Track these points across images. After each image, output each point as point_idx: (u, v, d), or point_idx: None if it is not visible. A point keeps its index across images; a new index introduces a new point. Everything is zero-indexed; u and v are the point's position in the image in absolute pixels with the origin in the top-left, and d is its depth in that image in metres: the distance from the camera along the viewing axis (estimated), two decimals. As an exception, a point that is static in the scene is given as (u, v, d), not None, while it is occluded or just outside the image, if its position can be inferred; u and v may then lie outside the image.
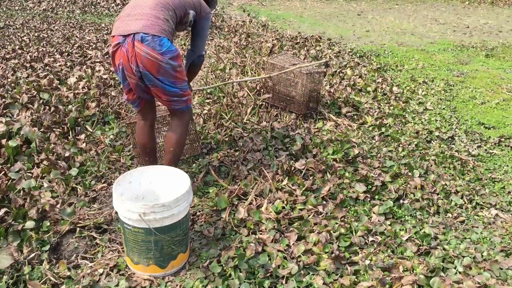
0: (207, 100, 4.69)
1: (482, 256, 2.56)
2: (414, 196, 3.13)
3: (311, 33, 8.91)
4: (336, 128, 4.22)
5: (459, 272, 2.40)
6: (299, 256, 2.44)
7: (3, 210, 2.58)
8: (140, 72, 2.57)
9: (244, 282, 2.25)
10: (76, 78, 4.92)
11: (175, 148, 2.80)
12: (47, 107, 4.08)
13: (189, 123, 3.02)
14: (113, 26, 2.64)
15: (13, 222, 2.53)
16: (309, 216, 2.80)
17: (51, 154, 3.29)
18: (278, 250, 2.46)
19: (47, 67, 5.60)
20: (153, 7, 2.58)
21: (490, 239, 2.76)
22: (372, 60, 7.03)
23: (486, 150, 4.05)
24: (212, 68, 5.87)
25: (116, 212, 2.67)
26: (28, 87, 4.60)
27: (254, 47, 7.09)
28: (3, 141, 3.35)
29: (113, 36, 2.59)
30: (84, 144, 3.55)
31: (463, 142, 4.20)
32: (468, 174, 3.56)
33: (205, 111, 4.26)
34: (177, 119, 2.82)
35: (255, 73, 5.54)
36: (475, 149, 4.04)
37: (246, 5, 12.91)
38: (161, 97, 2.70)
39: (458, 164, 3.70)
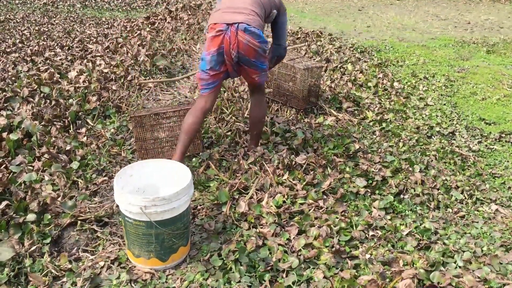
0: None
1: (482, 251, 2.57)
2: (414, 191, 3.13)
3: (312, 28, 8.90)
4: (337, 123, 4.23)
5: (459, 267, 2.40)
6: (300, 250, 2.44)
7: (4, 203, 2.58)
8: (238, 57, 3.00)
9: (245, 275, 2.25)
10: (77, 72, 4.91)
11: (264, 119, 3.46)
12: (48, 101, 4.08)
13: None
14: (213, 15, 3.06)
15: (14, 215, 2.53)
16: (309, 210, 2.81)
17: (52, 148, 3.29)
18: (279, 244, 2.47)
19: (48, 61, 5.60)
20: (251, 3, 3.04)
21: (490, 234, 2.77)
22: (373, 55, 7.03)
23: (486, 145, 4.05)
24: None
25: (117, 205, 2.67)
26: (29, 80, 4.60)
27: (255, 42, 7.07)
28: (4, 135, 3.34)
29: (215, 23, 2.97)
30: (85, 138, 3.55)
31: (463, 137, 4.21)
32: (468, 169, 3.57)
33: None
34: (259, 93, 3.36)
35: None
36: (476, 144, 4.05)
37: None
38: (252, 74, 3.17)
39: (459, 159, 3.70)
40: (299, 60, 4.47)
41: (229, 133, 3.79)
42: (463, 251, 2.54)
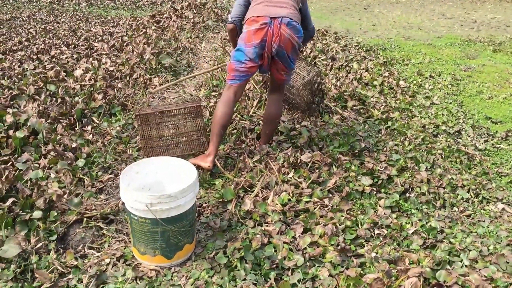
0: (213, 93, 4.69)
1: (488, 249, 2.56)
2: (420, 189, 3.12)
3: (318, 26, 8.88)
4: (342, 122, 4.22)
5: (465, 266, 2.39)
6: (305, 248, 2.44)
7: (11, 200, 2.59)
8: (277, 50, 3.07)
9: (250, 273, 2.25)
10: (83, 70, 4.92)
11: (276, 121, 3.47)
12: (54, 99, 4.09)
13: None
14: (254, 8, 3.13)
15: (20, 212, 2.54)
16: (315, 208, 2.81)
17: (58, 145, 3.30)
18: (284, 242, 2.47)
19: (54, 59, 5.61)
20: None
21: (496, 233, 2.75)
22: (379, 54, 7.01)
23: (493, 144, 4.03)
24: (218, 61, 5.86)
25: (123, 203, 2.68)
26: (35, 78, 4.61)
27: (260, 40, 7.06)
28: (11, 132, 3.36)
29: (259, 16, 3.04)
30: (91, 136, 3.56)
31: (470, 136, 4.19)
32: (474, 168, 3.55)
33: (211, 104, 4.26)
34: (279, 93, 3.42)
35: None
36: (482, 143, 4.03)
37: None
38: (281, 71, 3.24)
39: (465, 158, 3.69)
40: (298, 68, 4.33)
41: (234, 131, 3.79)
42: (469, 250, 2.53)
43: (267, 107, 3.44)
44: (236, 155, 3.42)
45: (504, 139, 4.14)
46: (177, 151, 3.44)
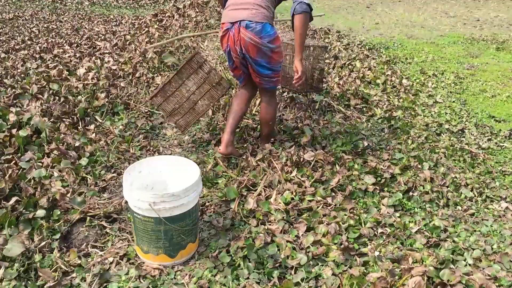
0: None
1: (492, 248, 2.55)
2: (423, 188, 3.12)
3: (320, 25, 8.87)
4: (345, 120, 4.21)
5: (469, 265, 2.39)
6: (308, 247, 2.44)
7: (14, 198, 2.59)
8: (243, 54, 3.01)
9: (253, 272, 2.25)
10: (85, 69, 4.92)
11: (273, 121, 3.36)
12: (57, 98, 4.09)
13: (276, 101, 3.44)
14: (223, 14, 3.09)
15: (24, 210, 2.54)
16: (318, 207, 2.80)
17: (61, 144, 3.31)
18: (287, 241, 2.46)
19: (57, 58, 5.62)
20: None
21: (500, 232, 2.74)
22: (382, 52, 7.00)
23: (496, 143, 4.02)
24: (221, 60, 5.86)
25: (126, 202, 2.68)
26: (38, 77, 4.62)
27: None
28: (14, 131, 3.36)
29: (223, 23, 3.02)
30: (94, 135, 3.56)
31: (473, 135, 4.18)
32: (478, 167, 3.54)
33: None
34: (266, 96, 3.29)
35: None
36: (485, 142, 4.02)
37: None
38: (255, 77, 3.16)
39: (468, 157, 3.68)
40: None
41: (237, 130, 3.78)
42: (473, 249, 2.52)
43: (260, 110, 3.40)
44: (238, 153, 3.41)
45: (507, 137, 4.13)
46: (205, 102, 3.48)
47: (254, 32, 2.89)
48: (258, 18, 2.90)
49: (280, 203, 2.78)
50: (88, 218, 2.60)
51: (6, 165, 2.95)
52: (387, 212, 2.81)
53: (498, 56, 7.07)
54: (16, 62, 5.44)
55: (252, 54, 2.98)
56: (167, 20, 8.13)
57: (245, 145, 3.52)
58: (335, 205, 2.84)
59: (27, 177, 2.88)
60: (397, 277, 2.21)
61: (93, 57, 5.63)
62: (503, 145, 3.97)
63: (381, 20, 10.01)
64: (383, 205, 2.89)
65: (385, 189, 3.09)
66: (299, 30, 3.04)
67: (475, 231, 2.75)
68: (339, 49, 6.72)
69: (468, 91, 5.40)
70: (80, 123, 3.76)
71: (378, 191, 3.04)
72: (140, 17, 9.01)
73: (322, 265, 2.34)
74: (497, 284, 2.24)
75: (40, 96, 4.11)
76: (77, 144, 3.32)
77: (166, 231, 2.21)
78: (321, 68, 4.15)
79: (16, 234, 2.37)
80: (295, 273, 2.28)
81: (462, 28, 9.25)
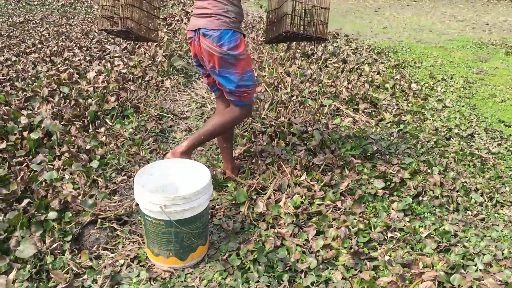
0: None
1: (502, 254, 2.53)
2: (433, 193, 3.11)
3: (328, 29, 8.88)
4: (354, 124, 4.21)
5: (480, 270, 2.38)
6: (318, 251, 2.44)
7: (26, 201, 2.62)
8: (206, 64, 2.74)
9: (263, 275, 2.26)
10: (96, 72, 4.97)
11: (211, 129, 2.80)
12: (68, 101, 4.13)
13: (240, 119, 2.98)
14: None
15: (36, 212, 2.56)
16: (327, 211, 2.80)
17: (72, 147, 3.33)
18: (297, 245, 2.47)
19: (67, 61, 5.67)
20: (211, 1, 2.65)
21: (511, 237, 2.73)
22: (390, 56, 6.99)
23: (506, 148, 4.00)
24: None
25: (137, 204, 2.70)
26: (49, 80, 4.66)
27: (271, 43, 7.08)
28: (25, 134, 3.40)
29: (187, 30, 2.81)
30: (104, 137, 3.58)
31: (483, 139, 4.16)
32: (488, 171, 3.53)
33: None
34: (237, 107, 2.83)
35: (272, 68, 5.53)
36: (495, 146, 4.00)
37: (263, 1, 12.88)
38: (223, 89, 2.82)
39: (478, 161, 3.66)
40: None
41: (246, 133, 3.80)
42: (484, 254, 2.51)
43: (216, 110, 3.11)
44: (248, 157, 3.42)
45: (517, 142, 4.11)
46: None
47: (210, 39, 2.61)
48: (214, 26, 2.60)
49: (289, 206, 2.79)
50: (99, 220, 2.62)
51: (18, 167, 2.98)
52: (397, 217, 2.81)
53: (508, 60, 7.04)
54: (27, 65, 5.49)
55: (216, 65, 2.66)
56: (176, 24, 8.17)
57: (252, 149, 3.52)
58: (344, 209, 2.84)
59: (39, 180, 2.91)
60: (407, 282, 2.20)
61: (103, 61, 5.67)
62: (513, 150, 3.95)
63: (389, 24, 10.00)
64: (392, 209, 2.88)
65: (395, 193, 3.08)
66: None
67: (485, 236, 2.73)
68: (347, 53, 6.72)
69: (477, 95, 5.38)
70: (90, 126, 3.79)
71: (387, 196, 3.04)
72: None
73: (332, 269, 2.34)
74: (508, 289, 2.23)
75: (51, 99, 4.15)
76: (88, 146, 3.35)
77: (177, 233, 2.22)
78: (325, 7, 2.99)
79: (28, 236, 2.39)
80: (305, 276, 2.28)
81: (471, 32, 9.22)
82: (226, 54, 2.61)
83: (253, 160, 3.33)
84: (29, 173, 2.96)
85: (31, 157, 3.21)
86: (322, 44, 6.62)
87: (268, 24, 3.19)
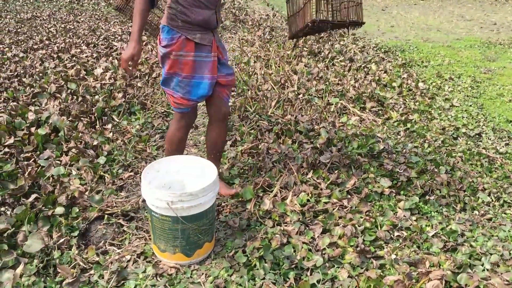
0: (232, 93, 4.70)
1: (510, 254, 2.52)
2: (440, 192, 3.09)
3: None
4: (360, 123, 4.20)
5: (487, 269, 2.36)
6: (324, 249, 2.44)
7: (34, 196, 2.63)
8: None
9: (269, 272, 2.26)
10: (103, 69, 4.98)
11: (167, 144, 2.76)
12: (75, 97, 4.15)
13: (171, 130, 2.72)
14: None
15: (43, 207, 2.58)
16: (334, 209, 2.80)
17: (79, 143, 3.35)
18: (303, 242, 2.46)
19: (74, 58, 5.69)
20: None
21: (518, 238, 2.71)
22: (397, 55, 6.96)
23: (514, 148, 3.97)
24: (236, 61, 5.88)
25: (144, 200, 2.70)
26: (56, 77, 4.68)
27: (278, 40, 7.08)
28: (33, 129, 3.42)
29: None
30: (111, 134, 3.59)
31: (490, 139, 4.14)
32: (495, 171, 3.51)
33: (229, 104, 4.27)
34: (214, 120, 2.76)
35: (279, 66, 5.53)
36: (503, 146, 3.98)
37: (270, -1, 12.87)
38: None
39: (486, 161, 3.64)
40: None
41: (252, 131, 3.80)
42: (491, 254, 2.50)
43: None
44: (254, 154, 3.42)
45: (525, 142, 4.08)
46: None
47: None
48: (164, 20, 2.51)
49: (296, 204, 2.78)
50: (106, 216, 2.63)
51: (25, 162, 2.99)
52: (404, 216, 2.80)
53: (516, 60, 7.00)
54: (35, 62, 5.51)
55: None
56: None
57: (260, 146, 3.52)
58: (351, 207, 2.83)
59: (46, 175, 2.92)
60: (414, 281, 2.19)
61: (110, 57, 5.69)
62: (521, 150, 3.93)
63: (396, 23, 9.97)
64: (399, 208, 2.87)
65: (401, 192, 3.07)
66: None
67: (492, 236, 2.72)
68: (354, 51, 6.70)
69: (485, 95, 5.35)
70: (97, 122, 3.80)
71: (394, 194, 3.03)
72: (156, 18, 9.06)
73: (338, 267, 2.34)
74: (515, 289, 2.22)
75: (58, 95, 4.17)
76: (95, 143, 3.36)
77: (183, 230, 2.22)
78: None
79: (36, 230, 2.41)
80: (311, 274, 2.27)
81: (479, 32, 9.17)
82: (161, 51, 2.51)
83: (260, 158, 3.33)
84: (36, 168, 2.97)
85: (38, 152, 3.22)
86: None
87: (290, 15, 2.90)
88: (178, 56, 2.47)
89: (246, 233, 2.56)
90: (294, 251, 2.40)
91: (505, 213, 2.99)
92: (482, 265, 2.40)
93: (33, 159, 3.11)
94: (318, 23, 2.53)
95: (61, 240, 2.36)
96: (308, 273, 2.28)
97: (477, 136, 4.19)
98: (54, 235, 2.40)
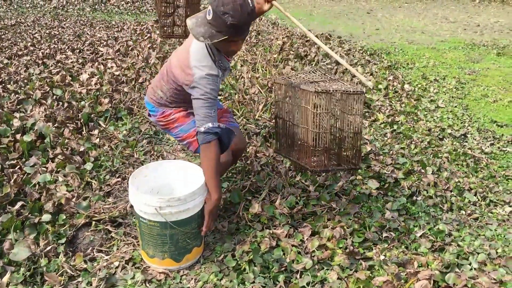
0: (219, 97, 4.70)
1: (497, 252, 2.55)
2: (427, 193, 3.12)
3: (321, 31, 8.90)
4: (347, 125, 4.21)
5: (474, 269, 2.39)
6: (313, 251, 2.44)
7: (20, 203, 2.60)
8: None
9: (259, 276, 2.25)
10: (89, 74, 4.95)
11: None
12: (61, 103, 4.11)
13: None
14: None
15: (29, 215, 2.55)
16: (322, 211, 2.81)
17: (65, 149, 3.32)
18: (292, 245, 2.47)
19: (59, 64, 5.64)
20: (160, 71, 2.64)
21: (504, 236, 2.74)
22: (383, 58, 7.02)
23: (499, 147, 4.02)
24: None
25: (131, 206, 2.68)
26: (41, 83, 4.64)
27: (264, 44, 7.10)
28: (18, 136, 3.38)
29: None
30: (98, 140, 3.57)
31: (475, 139, 4.18)
32: (481, 171, 3.55)
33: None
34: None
35: (265, 70, 5.54)
36: (488, 146, 4.02)
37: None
38: None
39: (471, 161, 3.68)
40: (326, 82, 2.60)
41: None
42: (478, 253, 2.52)
43: None
44: (243, 158, 3.42)
45: (510, 142, 4.13)
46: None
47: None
48: (149, 98, 2.65)
49: (284, 207, 2.79)
50: (94, 222, 2.60)
51: (11, 170, 2.96)
52: (392, 217, 2.81)
53: (499, 61, 7.09)
54: (19, 68, 5.45)
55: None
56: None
57: (248, 150, 3.52)
58: (339, 209, 2.84)
59: (32, 182, 2.89)
60: (403, 281, 2.21)
61: (96, 63, 5.65)
62: (506, 150, 3.98)
63: (381, 26, 10.05)
64: (387, 209, 2.89)
65: (389, 193, 3.09)
66: (204, 165, 2.29)
67: (479, 235, 2.75)
68: (340, 54, 6.73)
69: (470, 96, 5.42)
70: (84, 128, 3.78)
71: (382, 196, 3.05)
72: (142, 23, 9.04)
73: (327, 269, 2.34)
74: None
75: (44, 101, 4.13)
76: (81, 149, 3.33)
77: (172, 235, 2.21)
78: (356, 131, 2.51)
79: (22, 238, 2.38)
80: (300, 277, 2.28)
81: (463, 34, 9.28)
82: (153, 119, 2.72)
83: (248, 161, 3.33)
84: (22, 175, 2.94)
85: (24, 159, 3.19)
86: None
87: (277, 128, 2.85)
88: (169, 120, 2.58)
89: (235, 237, 2.56)
90: (284, 254, 2.41)
91: (491, 213, 3.03)
92: (470, 264, 2.43)
93: (18, 166, 3.08)
94: (317, 172, 2.63)
95: (48, 248, 2.34)
96: (298, 276, 2.28)
97: (462, 136, 4.24)
98: (41, 243, 2.37)
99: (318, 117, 2.41)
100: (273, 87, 2.79)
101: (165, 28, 3.85)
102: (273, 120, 3.01)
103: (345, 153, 2.57)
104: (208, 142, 2.23)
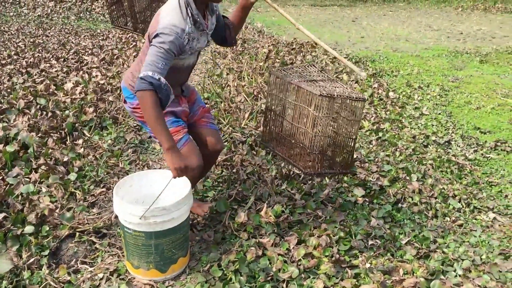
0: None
1: (481, 259, 2.57)
2: (412, 200, 3.14)
3: (307, 39, 8.95)
4: (333, 133, 4.23)
5: (459, 275, 2.41)
6: (300, 260, 2.44)
7: (2, 215, 2.56)
8: None
9: (245, 285, 2.25)
10: (73, 83, 4.91)
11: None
12: (44, 113, 4.07)
13: None
14: None
15: (12, 227, 2.51)
16: (308, 220, 2.81)
17: (49, 159, 3.28)
18: (279, 254, 2.46)
19: (43, 73, 5.59)
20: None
21: (488, 242, 2.77)
22: (368, 65, 7.07)
23: (482, 154, 4.07)
24: (209, 74, 5.88)
25: (116, 216, 2.66)
26: (25, 92, 4.59)
27: (250, 52, 7.12)
28: (0, 146, 3.33)
29: None
30: (82, 149, 3.54)
31: (459, 146, 4.23)
32: (465, 178, 3.58)
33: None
34: None
35: (251, 78, 5.55)
36: (472, 153, 4.07)
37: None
38: None
39: (455, 168, 3.71)
40: (326, 83, 2.59)
41: (226, 143, 3.79)
42: (462, 260, 2.54)
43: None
44: (228, 166, 3.41)
45: (493, 148, 4.18)
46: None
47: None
48: (125, 82, 2.55)
49: (270, 216, 2.78)
50: (77, 233, 2.57)
51: (-7, 181, 2.92)
52: (377, 224, 2.82)
53: (482, 68, 7.19)
54: (2, 77, 5.39)
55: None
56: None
57: (234, 158, 3.52)
58: (325, 217, 2.85)
59: (15, 193, 2.85)
60: (388, 289, 2.21)
61: (81, 72, 5.61)
62: (489, 156, 4.02)
63: (366, 34, 10.14)
64: (372, 217, 2.90)
65: (375, 201, 3.11)
66: (144, 115, 2.20)
67: (464, 242, 2.77)
68: (326, 62, 6.78)
69: (453, 103, 5.48)
70: (68, 138, 3.74)
71: (367, 203, 3.06)
72: (127, 32, 9.00)
73: (313, 278, 2.34)
74: (487, 294, 2.26)
75: (27, 111, 4.09)
76: (65, 159, 3.30)
77: (157, 245, 2.20)
78: (352, 137, 2.54)
79: (4, 251, 2.34)
80: (287, 286, 2.27)
81: (446, 41, 9.40)
82: (128, 107, 2.60)
83: (234, 170, 3.32)
84: (5, 186, 2.90)
85: (7, 170, 3.15)
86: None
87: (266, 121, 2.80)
88: None
89: (221, 246, 2.55)
90: (270, 263, 2.40)
91: (475, 219, 3.05)
92: (455, 271, 2.44)
93: (1, 177, 3.04)
94: (311, 174, 2.58)
95: (31, 260, 2.30)
96: (284, 285, 2.28)
97: (446, 143, 4.28)
98: (24, 255, 2.34)
99: (318, 120, 2.39)
100: (269, 78, 2.74)
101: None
102: (264, 111, 2.95)
103: (338, 158, 2.56)
104: (143, 90, 2.10)
